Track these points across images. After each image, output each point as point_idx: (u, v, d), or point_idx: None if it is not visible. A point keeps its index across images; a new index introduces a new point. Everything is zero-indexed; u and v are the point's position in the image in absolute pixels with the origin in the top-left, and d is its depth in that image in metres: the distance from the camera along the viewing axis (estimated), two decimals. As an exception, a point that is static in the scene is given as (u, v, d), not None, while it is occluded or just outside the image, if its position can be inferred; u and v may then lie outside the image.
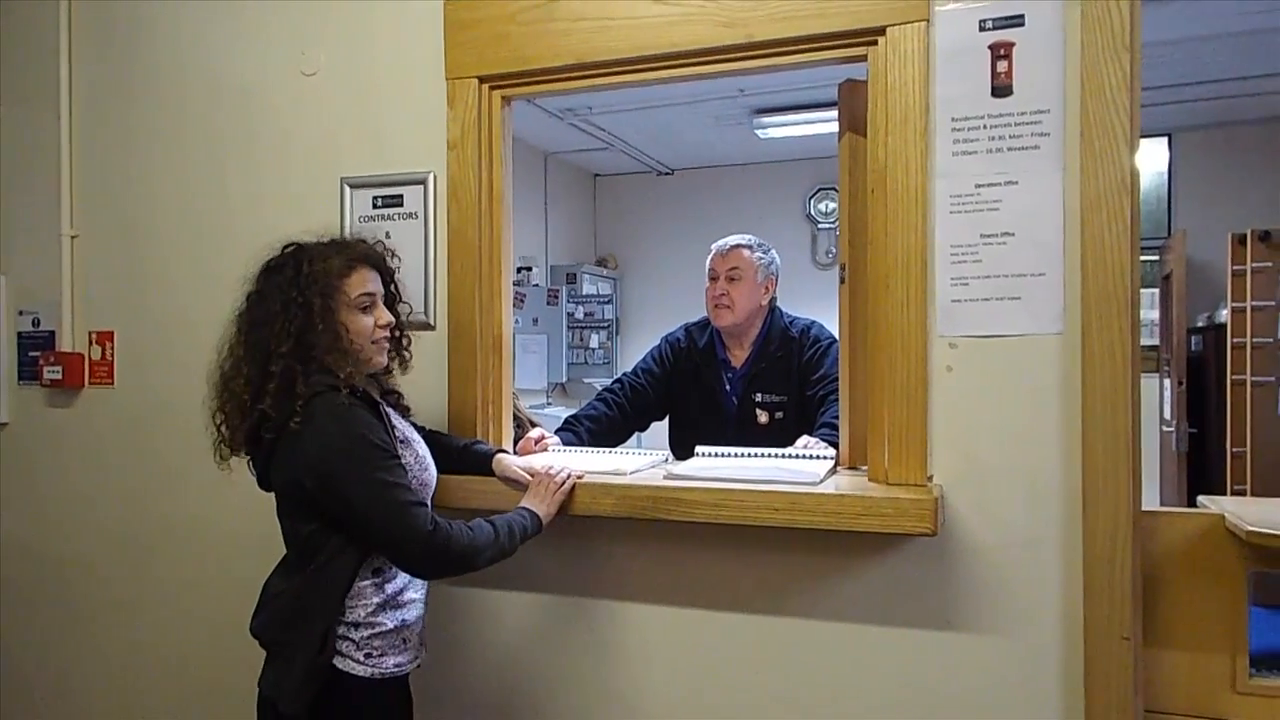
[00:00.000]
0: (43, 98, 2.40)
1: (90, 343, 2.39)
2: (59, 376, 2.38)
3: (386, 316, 1.63)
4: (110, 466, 2.37)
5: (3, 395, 2.49)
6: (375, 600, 1.56)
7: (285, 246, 1.63)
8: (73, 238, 2.40)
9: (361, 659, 1.53)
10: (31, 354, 2.45)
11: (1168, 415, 4.84)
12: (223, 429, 1.59)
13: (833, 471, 1.80)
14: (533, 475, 1.73)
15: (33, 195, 2.43)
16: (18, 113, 2.46)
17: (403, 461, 1.55)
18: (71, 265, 2.40)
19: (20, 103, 2.46)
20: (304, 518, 1.53)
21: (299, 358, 1.51)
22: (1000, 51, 1.59)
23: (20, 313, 2.49)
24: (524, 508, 1.67)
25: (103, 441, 2.39)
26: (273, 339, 1.52)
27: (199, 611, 2.28)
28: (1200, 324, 4.78)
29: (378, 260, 1.66)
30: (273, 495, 1.62)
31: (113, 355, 2.38)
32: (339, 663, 1.52)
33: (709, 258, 2.49)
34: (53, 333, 2.43)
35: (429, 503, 1.56)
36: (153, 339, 2.33)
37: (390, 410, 1.64)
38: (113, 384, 2.37)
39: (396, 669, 1.58)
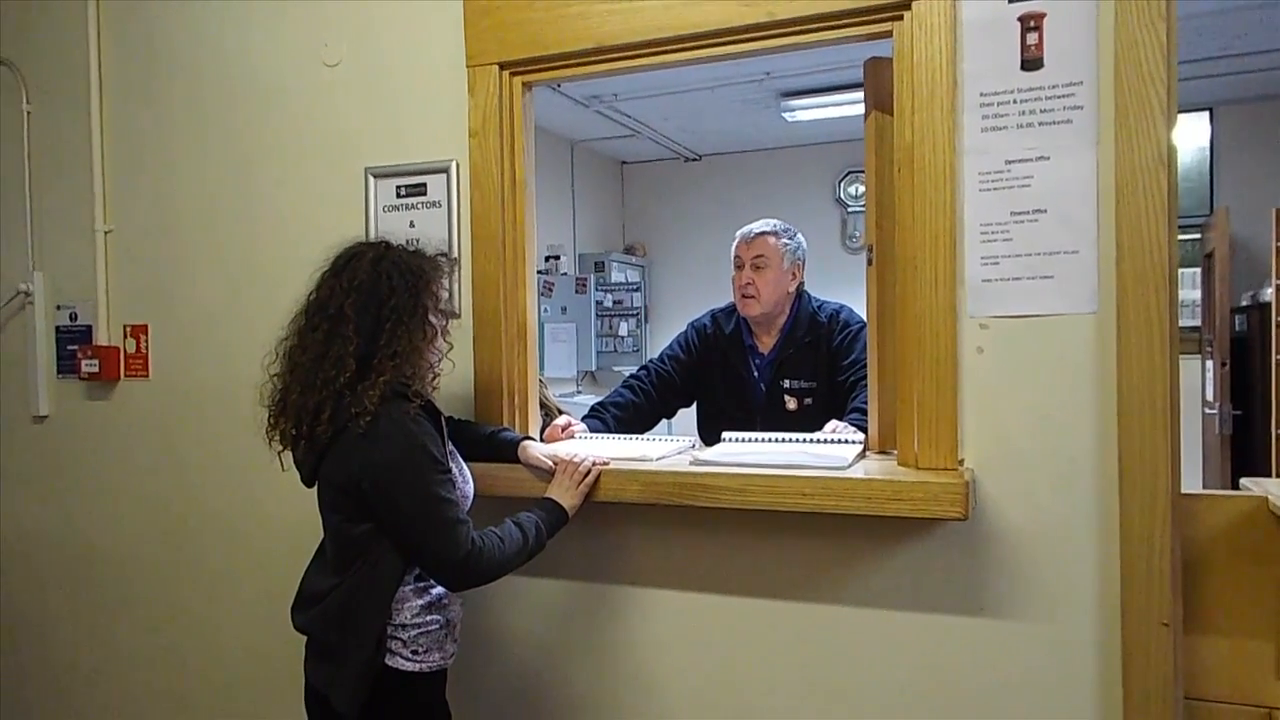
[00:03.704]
0: (73, 95, 2.44)
1: (125, 336, 2.43)
2: (96, 370, 2.42)
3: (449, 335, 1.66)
4: (147, 457, 2.42)
5: (43, 388, 2.54)
6: (419, 602, 1.57)
7: (375, 243, 1.61)
8: (106, 233, 2.44)
9: (409, 655, 1.55)
10: (70, 348, 2.50)
11: (1210, 397, 4.72)
12: (281, 419, 1.56)
13: (861, 456, 1.78)
14: (556, 464, 1.73)
15: (67, 192, 2.47)
16: (49, 111, 2.50)
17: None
18: (106, 260, 2.44)
19: (51, 101, 2.50)
20: (357, 518, 1.53)
21: (386, 360, 1.50)
22: (1030, 23, 1.55)
23: (58, 307, 2.53)
24: (549, 499, 1.68)
25: (139, 433, 2.43)
26: (365, 337, 1.50)
27: (235, 600, 2.32)
28: (1244, 303, 4.66)
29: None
30: (313, 489, 1.62)
31: (147, 348, 2.41)
32: (388, 660, 1.54)
33: (734, 245, 2.47)
34: (89, 327, 2.47)
35: (469, 518, 1.56)
36: (185, 331, 2.36)
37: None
38: (148, 376, 2.41)
39: (441, 662, 1.61)
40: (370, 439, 1.48)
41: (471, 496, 1.68)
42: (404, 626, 1.55)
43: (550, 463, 1.74)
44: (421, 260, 1.60)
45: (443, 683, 1.65)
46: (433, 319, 1.58)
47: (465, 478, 1.67)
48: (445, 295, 1.63)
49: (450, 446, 1.65)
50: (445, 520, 1.49)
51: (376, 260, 1.56)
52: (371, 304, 1.52)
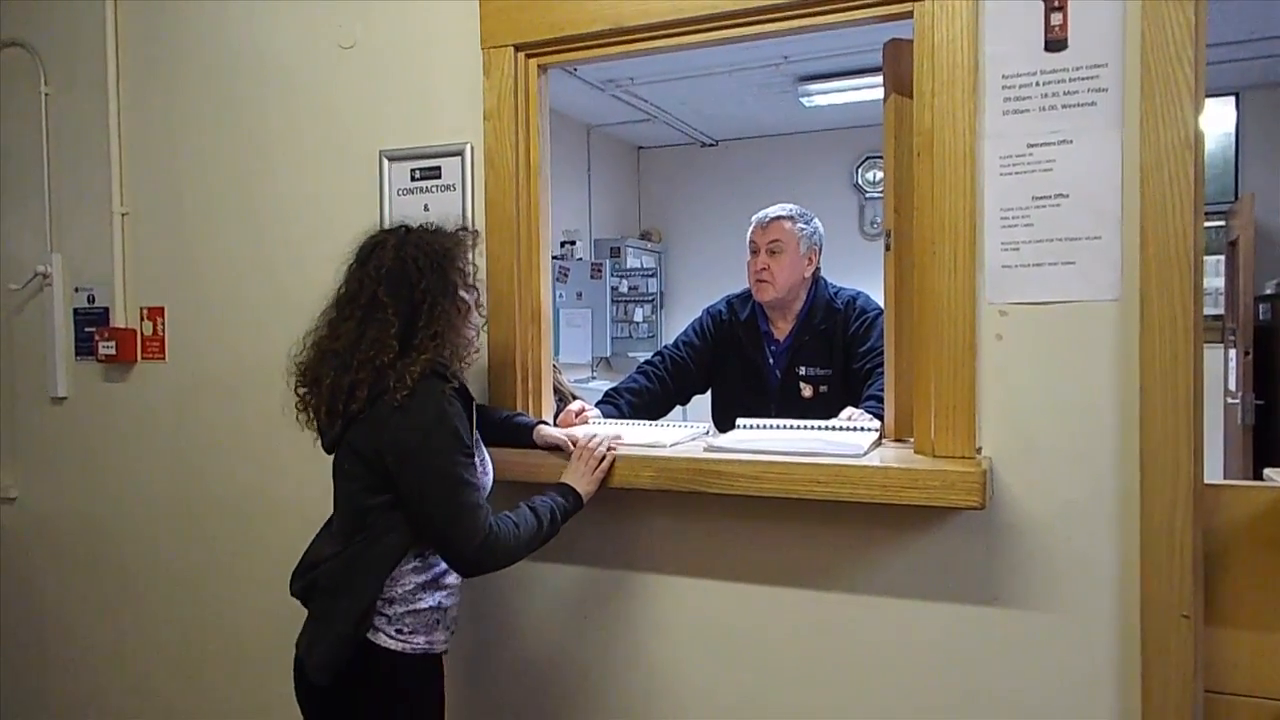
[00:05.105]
0: (91, 78, 2.44)
1: (142, 318, 2.44)
2: (113, 351, 2.43)
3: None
4: (163, 439, 2.43)
5: (61, 370, 2.56)
6: (416, 580, 1.57)
7: (394, 229, 1.61)
8: (123, 215, 2.44)
9: (393, 633, 1.55)
10: (87, 330, 2.52)
11: (1233, 386, 4.66)
12: (312, 397, 1.57)
13: (877, 444, 1.76)
14: (574, 444, 1.73)
15: (84, 174, 2.48)
16: (67, 93, 2.51)
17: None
18: (123, 242, 2.45)
19: (69, 83, 2.50)
20: (373, 490, 1.53)
21: (427, 340, 1.51)
22: (1055, 3, 1.51)
23: (76, 289, 2.55)
24: (565, 484, 1.67)
25: (156, 415, 2.44)
26: (404, 320, 1.51)
27: (251, 580, 2.33)
28: (1268, 291, 4.59)
29: None
30: (330, 461, 1.62)
31: (164, 330, 2.42)
32: (370, 634, 1.54)
33: (749, 230, 2.45)
34: (107, 309, 2.48)
35: (487, 504, 1.56)
36: (202, 313, 2.37)
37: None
38: (164, 359, 2.42)
39: (427, 646, 1.59)
40: (403, 412, 1.49)
41: (490, 486, 1.67)
42: (392, 602, 1.55)
43: (569, 441, 1.74)
44: (443, 238, 1.60)
45: (428, 668, 1.61)
46: (464, 294, 1.59)
47: (486, 469, 1.66)
48: (471, 270, 1.63)
49: (477, 434, 1.64)
50: (465, 503, 1.49)
51: (399, 245, 1.56)
52: (403, 289, 1.53)
